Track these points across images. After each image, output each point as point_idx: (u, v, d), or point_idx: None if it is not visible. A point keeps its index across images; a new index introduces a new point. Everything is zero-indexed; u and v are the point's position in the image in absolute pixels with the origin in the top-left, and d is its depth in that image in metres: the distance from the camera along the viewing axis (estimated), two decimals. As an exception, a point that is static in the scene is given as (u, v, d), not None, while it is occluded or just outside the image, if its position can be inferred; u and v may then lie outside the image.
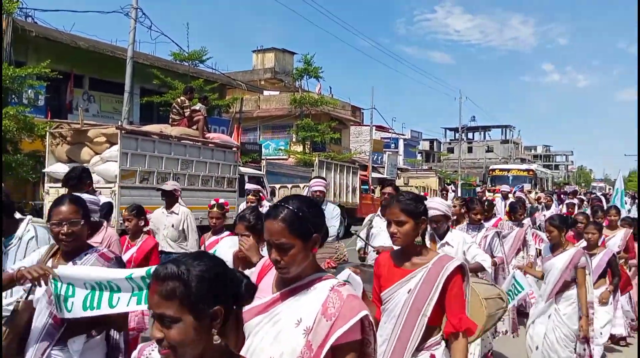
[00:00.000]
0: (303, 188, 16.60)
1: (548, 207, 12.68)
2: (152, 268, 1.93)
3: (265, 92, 33.76)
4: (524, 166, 31.48)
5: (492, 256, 5.16)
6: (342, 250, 4.77)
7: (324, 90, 33.15)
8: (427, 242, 4.01)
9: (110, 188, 8.98)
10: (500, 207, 11.61)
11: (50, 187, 9.69)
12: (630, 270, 6.63)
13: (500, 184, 26.34)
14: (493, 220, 7.55)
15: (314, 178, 6.48)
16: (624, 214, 9.27)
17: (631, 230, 6.77)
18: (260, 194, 8.28)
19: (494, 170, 29.86)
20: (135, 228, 4.83)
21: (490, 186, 27.24)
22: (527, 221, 7.86)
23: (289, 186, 17.10)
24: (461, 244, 4.19)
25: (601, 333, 5.18)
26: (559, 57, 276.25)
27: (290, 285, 1.82)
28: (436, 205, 4.20)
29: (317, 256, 1.94)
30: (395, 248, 2.74)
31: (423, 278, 2.48)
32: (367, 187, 21.76)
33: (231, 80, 25.52)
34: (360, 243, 5.46)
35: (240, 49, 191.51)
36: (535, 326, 4.87)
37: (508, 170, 29.11)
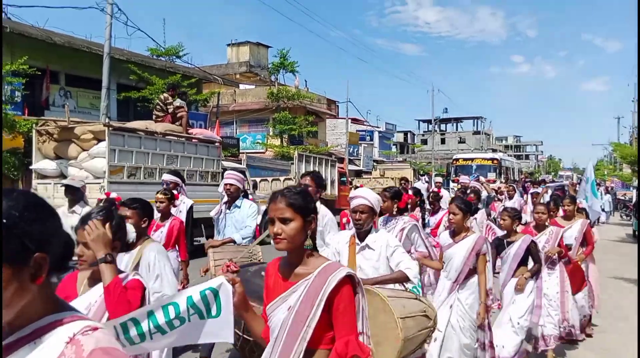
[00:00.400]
0: (283, 181, 16.96)
1: (511, 197, 12.14)
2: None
3: (241, 86, 33.83)
4: (488, 155, 30.74)
5: (412, 253, 4.81)
6: (257, 254, 4.27)
7: (300, 84, 33.44)
8: (345, 245, 3.57)
9: (99, 183, 9.18)
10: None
11: (38, 184, 9.82)
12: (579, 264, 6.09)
13: (464, 175, 27.25)
14: (440, 213, 7.20)
15: (228, 169, 5.87)
16: (597, 205, 9.20)
17: (588, 221, 6.46)
18: (177, 190, 6.11)
19: (457, 160, 29.06)
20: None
21: (454, 176, 26.56)
22: (480, 213, 7.19)
23: (270, 179, 17.42)
24: (384, 248, 3.49)
25: (518, 323, 4.86)
26: (528, 49, 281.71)
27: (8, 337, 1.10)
28: (362, 193, 3.59)
29: (228, 260, 1.84)
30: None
31: (304, 293, 2.01)
32: (344, 179, 22.20)
33: (207, 74, 25.57)
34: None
35: (214, 43, 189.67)
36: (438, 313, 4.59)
37: (472, 159, 28.34)
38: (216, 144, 12.22)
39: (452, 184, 25.32)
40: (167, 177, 6.51)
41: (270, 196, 2.13)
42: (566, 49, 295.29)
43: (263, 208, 8.28)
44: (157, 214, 4.86)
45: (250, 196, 8.07)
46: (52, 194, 9.59)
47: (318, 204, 4.09)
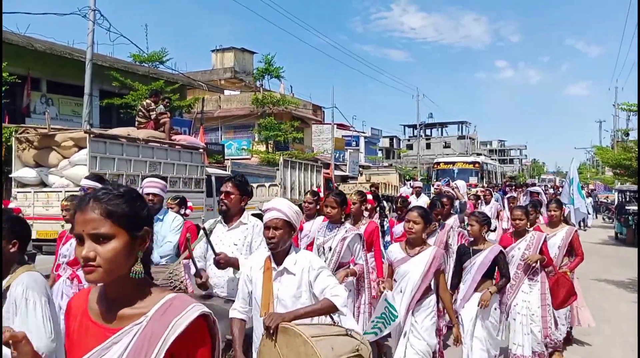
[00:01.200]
0: (269, 187, 16.89)
1: (487, 202, 11.33)
2: None
3: (226, 92, 33.72)
4: (470, 159, 29.95)
5: (354, 265, 4.41)
6: (179, 275, 3.70)
7: (286, 89, 33.44)
8: (259, 271, 2.91)
9: (80, 191, 9.04)
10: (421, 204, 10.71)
11: (17, 192, 9.65)
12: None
13: (445, 179, 27.19)
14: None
15: (148, 176, 5.17)
16: (583, 206, 8.70)
17: (575, 228, 5.90)
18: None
19: (438, 164, 28.31)
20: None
21: (435, 180, 25.48)
22: (452, 220, 6.48)
23: (255, 185, 17.32)
24: (306, 271, 2.84)
25: (489, 343, 4.36)
26: (512, 54, 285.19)
27: None
28: (276, 205, 2.90)
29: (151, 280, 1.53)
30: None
31: (132, 345, 1.40)
32: (331, 185, 22.18)
33: (191, 80, 25.44)
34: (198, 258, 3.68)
35: (199, 49, 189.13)
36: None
37: (453, 163, 27.76)
38: (200, 150, 12.13)
39: (432, 189, 25.49)
40: (85, 182, 4.98)
41: (77, 202, 1.48)
42: (549, 54, 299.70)
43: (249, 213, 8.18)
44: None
45: (189, 205, 6.78)
46: (32, 202, 9.45)
47: (246, 213, 3.69)
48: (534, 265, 5.02)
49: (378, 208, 7.05)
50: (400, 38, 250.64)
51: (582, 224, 10.44)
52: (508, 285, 4.74)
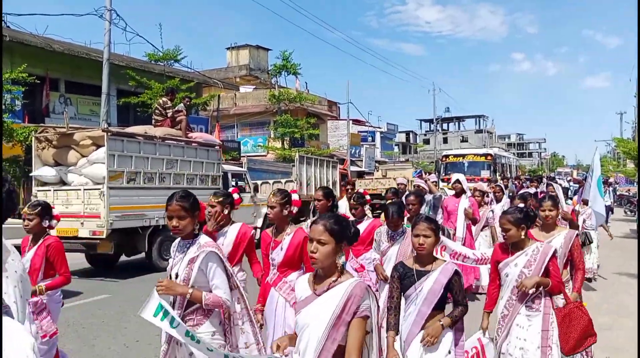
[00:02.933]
0: (285, 183, 16.92)
1: (498, 200, 9.33)
2: None
3: (241, 89, 33.87)
4: (482, 151, 27.51)
5: None
6: None
7: (301, 86, 33.45)
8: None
9: (99, 189, 9.16)
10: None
11: (38, 191, 9.81)
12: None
13: (455, 173, 24.85)
14: (365, 223, 5.41)
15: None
16: (602, 207, 7.86)
17: (575, 232, 4.45)
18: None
19: (447, 156, 25.86)
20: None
21: (443, 174, 24.04)
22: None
23: (271, 181, 17.37)
24: None
25: None
26: (528, 46, 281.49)
27: None
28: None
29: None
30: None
31: None
32: (346, 180, 22.13)
33: (207, 78, 25.62)
34: None
35: (214, 47, 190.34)
36: None
37: (463, 156, 25.38)
38: (216, 147, 12.19)
39: (441, 184, 23.15)
40: None
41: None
42: (567, 46, 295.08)
43: (264, 210, 8.27)
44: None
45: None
46: (52, 201, 9.58)
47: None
48: (531, 291, 3.58)
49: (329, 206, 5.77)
50: (415, 32, 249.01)
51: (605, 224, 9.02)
52: (501, 316, 3.69)
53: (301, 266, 3.92)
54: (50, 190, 9.68)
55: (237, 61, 37.77)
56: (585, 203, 8.35)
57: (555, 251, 3.74)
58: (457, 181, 7.70)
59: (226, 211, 4.21)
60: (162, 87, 18.86)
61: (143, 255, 10.46)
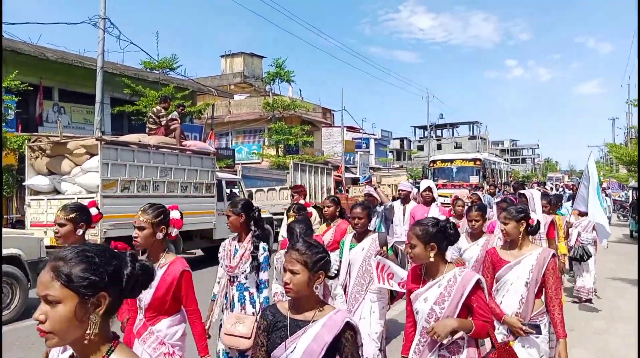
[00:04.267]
0: (279, 190, 16.93)
1: None
2: None
3: (236, 97, 33.90)
4: (470, 156, 26.53)
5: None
6: None
7: (294, 93, 33.53)
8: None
9: (93, 198, 9.12)
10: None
11: (31, 200, 9.77)
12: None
13: (443, 179, 23.24)
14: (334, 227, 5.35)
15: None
16: (603, 218, 7.06)
17: (552, 252, 3.40)
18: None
19: (434, 162, 25.11)
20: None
21: (432, 180, 23.35)
22: (368, 241, 4.31)
23: (265, 189, 17.37)
24: None
25: None
26: (522, 53, 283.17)
27: None
28: None
29: None
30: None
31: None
32: (341, 188, 22.16)
33: (201, 86, 25.64)
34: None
35: (208, 55, 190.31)
36: None
37: (451, 161, 24.61)
38: (210, 155, 12.19)
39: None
40: None
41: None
42: (560, 53, 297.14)
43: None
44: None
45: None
46: (45, 210, 9.55)
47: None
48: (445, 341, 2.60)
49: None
50: (409, 39, 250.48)
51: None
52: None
53: (178, 310, 2.97)
54: (43, 199, 9.63)
55: (232, 69, 37.84)
56: (581, 214, 7.72)
57: (478, 282, 2.64)
58: (428, 188, 7.04)
59: (80, 232, 3.15)
60: (157, 96, 18.86)
61: (137, 263, 10.39)
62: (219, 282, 3.89)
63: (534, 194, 5.63)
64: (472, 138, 72.52)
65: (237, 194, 13.49)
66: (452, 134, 77.49)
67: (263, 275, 3.74)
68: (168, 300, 2.89)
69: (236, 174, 16.22)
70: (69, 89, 19.14)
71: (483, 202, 7.72)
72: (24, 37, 18.62)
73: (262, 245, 3.76)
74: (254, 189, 16.83)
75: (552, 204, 6.81)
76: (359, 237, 4.33)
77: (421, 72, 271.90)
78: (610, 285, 9.24)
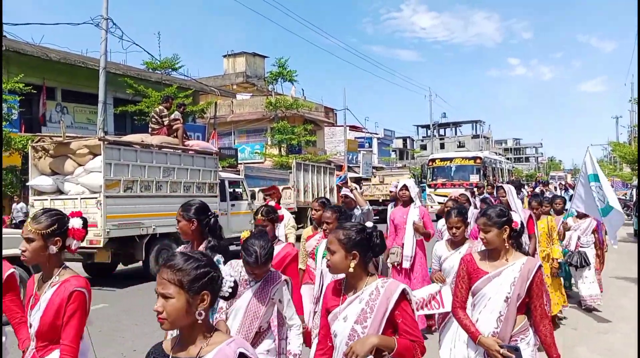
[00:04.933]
0: (282, 190, 16.92)
1: None
2: None
3: (238, 96, 33.93)
4: (470, 154, 25.98)
5: None
6: None
7: (297, 92, 33.57)
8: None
9: (96, 198, 9.16)
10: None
11: (35, 200, 9.81)
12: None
13: (443, 178, 22.94)
14: (279, 247, 3.92)
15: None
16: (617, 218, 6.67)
17: (538, 262, 2.92)
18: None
19: (433, 160, 24.48)
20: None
21: (430, 180, 23.31)
22: None
23: (268, 188, 17.37)
24: None
25: None
26: (524, 51, 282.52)
27: None
28: None
29: None
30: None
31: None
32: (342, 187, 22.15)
33: (204, 86, 25.69)
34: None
35: (211, 55, 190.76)
36: None
37: (450, 159, 24.06)
38: (213, 155, 12.21)
39: (428, 190, 22.23)
40: None
41: None
42: (562, 51, 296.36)
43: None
44: None
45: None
46: (49, 210, 9.58)
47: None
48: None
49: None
50: (411, 38, 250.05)
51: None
52: None
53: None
54: (47, 199, 9.67)
55: (234, 69, 37.89)
56: (580, 216, 7.44)
57: (404, 293, 2.26)
58: (404, 186, 6.21)
59: (54, 250, 2.51)
60: (160, 96, 18.91)
61: (140, 263, 10.44)
62: None
63: (511, 189, 5.66)
64: (475, 136, 72.48)
65: (240, 193, 13.52)
66: (455, 133, 77.52)
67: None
68: (59, 327, 2.36)
69: (239, 174, 16.23)
70: (72, 90, 19.21)
71: (471, 203, 7.42)
72: (27, 37, 18.78)
73: (217, 257, 2.91)
74: (256, 189, 16.83)
75: (543, 204, 6.59)
76: None
77: (423, 71, 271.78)
78: (614, 284, 9.21)
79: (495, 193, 5.91)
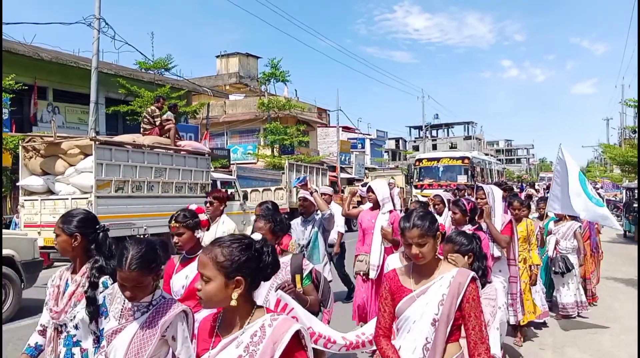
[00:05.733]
0: (274, 190, 16.92)
1: (440, 213, 6.93)
2: None
3: (231, 97, 33.86)
4: (458, 154, 25.57)
5: None
6: None
7: (290, 93, 33.55)
8: None
9: (87, 198, 9.11)
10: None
11: (25, 200, 9.74)
12: None
13: (430, 179, 22.59)
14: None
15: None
16: (597, 211, 6.13)
17: (471, 274, 2.40)
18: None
19: (420, 160, 23.95)
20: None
21: (417, 180, 22.92)
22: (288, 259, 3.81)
23: (260, 189, 17.36)
24: None
25: None
26: (517, 53, 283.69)
27: None
28: None
29: None
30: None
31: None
32: (336, 187, 22.18)
33: (197, 86, 25.62)
34: None
35: (203, 55, 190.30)
36: None
37: (438, 159, 23.41)
38: (205, 155, 12.18)
39: (414, 191, 21.57)
40: None
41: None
42: (554, 53, 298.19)
43: (253, 218, 8.17)
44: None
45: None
46: (39, 210, 9.52)
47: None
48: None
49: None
50: (404, 39, 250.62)
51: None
52: None
53: None
54: (37, 199, 9.61)
55: (227, 69, 37.81)
56: (561, 218, 7.16)
57: (298, 336, 1.74)
58: (369, 189, 5.61)
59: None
60: (152, 96, 18.83)
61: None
62: (41, 332, 2.68)
63: (493, 189, 5.21)
64: (468, 138, 72.72)
65: (233, 194, 13.49)
66: (448, 135, 77.75)
67: (104, 323, 2.41)
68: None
69: (231, 175, 16.19)
70: (64, 89, 19.09)
71: (446, 205, 6.71)
72: (19, 37, 18.63)
73: (103, 279, 2.54)
74: (249, 190, 16.81)
75: (525, 206, 6.21)
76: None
77: (416, 73, 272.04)
78: (604, 286, 9.27)
79: (474, 194, 5.24)
